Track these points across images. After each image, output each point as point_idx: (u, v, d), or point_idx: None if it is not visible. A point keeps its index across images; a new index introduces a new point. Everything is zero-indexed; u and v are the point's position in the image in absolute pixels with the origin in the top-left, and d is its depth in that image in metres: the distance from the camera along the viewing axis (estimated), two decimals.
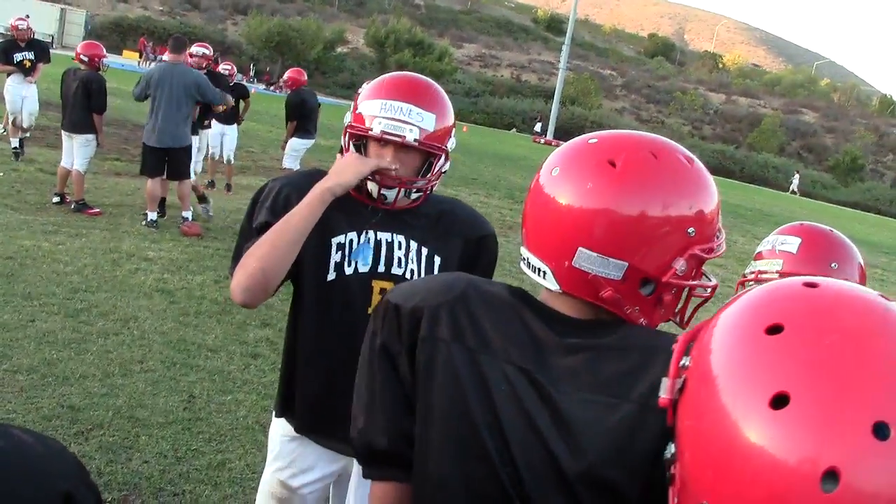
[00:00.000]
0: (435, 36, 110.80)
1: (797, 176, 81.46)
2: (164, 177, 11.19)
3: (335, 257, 2.69)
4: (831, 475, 0.91)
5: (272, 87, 69.27)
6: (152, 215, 11.15)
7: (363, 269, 2.69)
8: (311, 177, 2.73)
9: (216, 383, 6.34)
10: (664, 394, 1.18)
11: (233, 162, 15.39)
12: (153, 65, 54.59)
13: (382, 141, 2.63)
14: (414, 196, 2.77)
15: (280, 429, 2.94)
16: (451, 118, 2.76)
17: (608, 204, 1.53)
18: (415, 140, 2.62)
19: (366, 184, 2.69)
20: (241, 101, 14.94)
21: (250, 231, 2.69)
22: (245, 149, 21.02)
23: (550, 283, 1.63)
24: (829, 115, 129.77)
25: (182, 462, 5.09)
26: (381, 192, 2.69)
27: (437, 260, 2.77)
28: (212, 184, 14.95)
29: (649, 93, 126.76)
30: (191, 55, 12.41)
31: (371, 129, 2.61)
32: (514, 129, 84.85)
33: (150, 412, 5.67)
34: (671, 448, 1.19)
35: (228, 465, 5.13)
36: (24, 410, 5.36)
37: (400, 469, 1.81)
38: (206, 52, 12.94)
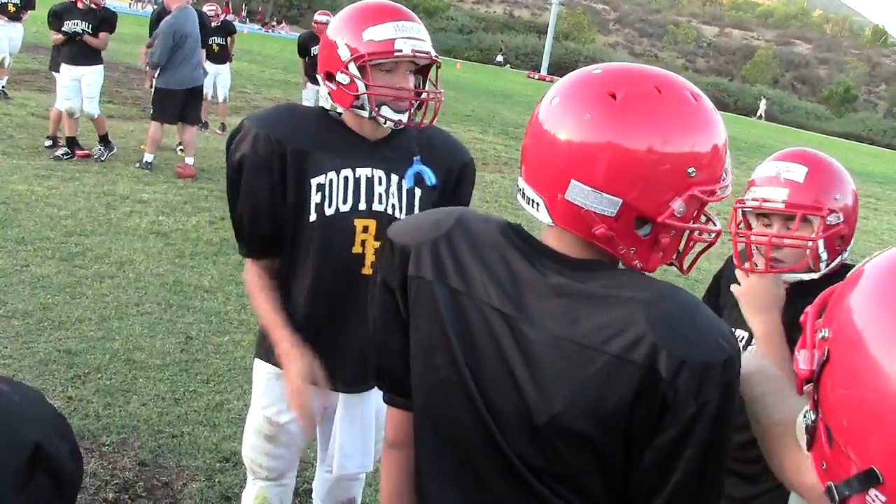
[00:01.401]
0: None
1: (764, 101, 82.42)
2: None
3: (315, 198, 2.66)
4: None
5: (265, 27, 68.69)
6: (149, 157, 11.10)
7: (344, 208, 2.67)
8: (279, 113, 2.74)
9: (213, 324, 6.34)
10: (805, 365, 1.18)
11: (227, 101, 15.26)
12: (150, 8, 53.98)
13: (408, 60, 2.62)
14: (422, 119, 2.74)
15: (264, 368, 2.96)
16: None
17: (604, 136, 1.47)
18: (434, 55, 2.66)
19: (378, 112, 2.63)
20: (228, 38, 14.76)
21: (236, 196, 2.73)
22: (238, 89, 20.86)
23: (543, 216, 1.59)
24: (822, 46, 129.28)
25: (180, 404, 5.10)
26: (399, 117, 2.65)
27: (418, 192, 2.76)
28: (205, 125, 14.81)
29: (642, 26, 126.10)
30: None
31: (400, 50, 2.56)
32: (507, 66, 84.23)
33: (147, 355, 5.67)
34: (810, 415, 1.21)
35: (226, 406, 5.14)
36: (20, 356, 5.35)
37: (403, 397, 1.85)
38: None
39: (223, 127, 14.95)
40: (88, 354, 5.53)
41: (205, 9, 14.34)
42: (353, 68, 2.59)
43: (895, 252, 1.16)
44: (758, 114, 79.08)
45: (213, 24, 14.00)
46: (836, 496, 1.11)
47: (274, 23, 72.74)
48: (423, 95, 2.67)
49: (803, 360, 1.18)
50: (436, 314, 1.68)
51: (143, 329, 6.06)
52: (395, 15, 2.61)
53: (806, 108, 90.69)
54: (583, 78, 1.58)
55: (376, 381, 1.93)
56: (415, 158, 2.73)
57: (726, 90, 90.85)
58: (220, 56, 14.49)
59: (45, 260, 7.06)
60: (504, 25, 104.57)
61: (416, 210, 2.75)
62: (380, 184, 2.71)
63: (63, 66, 10.99)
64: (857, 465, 1.06)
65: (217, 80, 14.67)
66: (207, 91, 14.52)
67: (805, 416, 1.23)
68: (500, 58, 78.81)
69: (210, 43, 13.88)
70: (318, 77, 2.74)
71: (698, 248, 1.71)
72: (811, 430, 1.20)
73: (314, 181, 2.65)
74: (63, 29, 10.80)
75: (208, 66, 14.09)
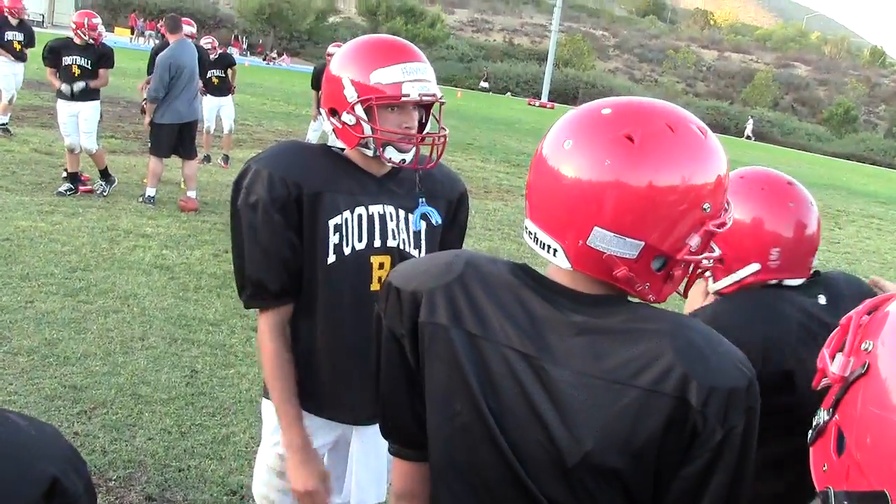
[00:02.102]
0: (426, 2, 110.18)
1: (751, 121, 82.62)
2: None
3: (333, 239, 2.64)
4: None
5: (265, 60, 68.98)
6: (151, 192, 11.11)
7: (360, 246, 2.67)
8: (289, 153, 2.69)
9: (218, 357, 6.33)
10: (837, 370, 1.17)
11: (233, 130, 15.39)
12: (151, 42, 54.13)
13: (411, 104, 2.62)
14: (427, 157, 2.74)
15: (273, 406, 2.92)
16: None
17: (627, 181, 1.47)
18: (440, 96, 2.67)
19: (382, 153, 2.62)
20: (228, 70, 14.81)
21: (243, 244, 2.66)
22: (240, 121, 20.94)
23: (561, 262, 1.58)
24: (821, 67, 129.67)
25: (186, 437, 5.09)
26: (403, 157, 2.65)
27: (423, 225, 2.76)
28: (207, 158, 14.85)
29: (642, 52, 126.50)
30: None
31: (408, 95, 2.56)
32: (508, 93, 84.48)
33: (153, 389, 5.66)
34: (823, 414, 1.21)
35: (233, 439, 5.13)
36: (25, 392, 5.34)
37: (411, 448, 1.84)
38: (192, 29, 12.82)
39: (226, 159, 15.01)
40: (94, 389, 5.53)
41: (202, 42, 14.45)
42: (359, 110, 2.58)
43: None
44: (745, 134, 79.36)
45: (212, 56, 14.08)
46: (834, 502, 1.12)
47: (274, 55, 72.99)
48: (428, 138, 2.68)
49: (837, 365, 1.18)
50: (453, 360, 1.65)
51: (149, 363, 6.06)
52: (403, 55, 2.61)
53: (806, 130, 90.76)
54: (594, 119, 1.56)
55: (382, 433, 1.90)
56: (420, 200, 2.75)
57: (727, 114, 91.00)
58: (221, 88, 14.54)
59: (49, 296, 7.07)
60: (504, 54, 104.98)
61: (423, 245, 2.76)
62: (391, 220, 2.71)
63: (60, 103, 11.04)
64: (869, 483, 1.06)
65: (221, 112, 14.75)
66: (209, 124, 14.62)
67: (818, 414, 1.23)
68: (483, 83, 78.95)
69: (209, 76, 13.95)
70: (323, 112, 2.74)
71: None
72: (820, 428, 1.21)
73: (331, 222, 2.63)
74: (66, 63, 10.88)
75: (210, 99, 14.18)
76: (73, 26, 11.01)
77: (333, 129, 2.69)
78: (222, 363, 6.23)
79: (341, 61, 2.65)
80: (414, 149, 2.67)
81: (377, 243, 2.68)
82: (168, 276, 8.11)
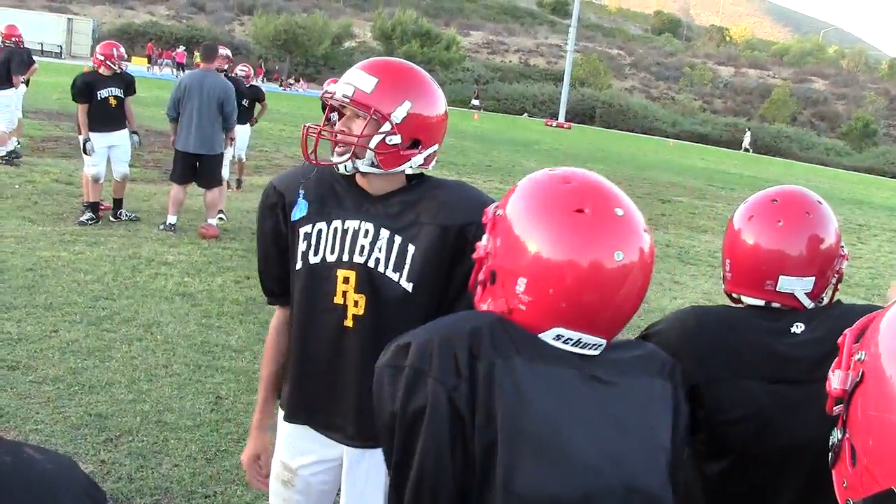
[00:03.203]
0: (441, 25, 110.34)
1: (748, 133, 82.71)
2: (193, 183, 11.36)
3: (301, 247, 2.73)
4: None
5: (282, 86, 69.34)
6: (172, 219, 11.17)
7: (329, 258, 2.70)
8: (295, 169, 2.85)
9: (242, 383, 6.35)
10: (838, 385, 1.21)
11: (244, 160, 15.44)
12: (167, 71, 54.34)
13: (330, 106, 2.73)
14: (368, 168, 2.64)
15: (279, 413, 3.02)
16: (404, 93, 2.61)
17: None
18: (343, 96, 2.59)
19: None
20: (256, 103, 14.94)
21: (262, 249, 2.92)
22: (258, 148, 21.07)
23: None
24: (839, 81, 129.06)
25: (212, 464, 5.10)
26: (336, 160, 2.65)
27: (412, 249, 2.67)
28: (237, 183, 15.07)
29: (658, 70, 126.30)
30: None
31: (332, 93, 2.65)
32: (525, 114, 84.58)
33: (178, 416, 5.68)
34: (837, 434, 1.25)
35: (258, 465, 5.12)
36: (51, 420, 5.37)
37: None
38: (227, 52, 12.96)
39: (239, 184, 15.11)
40: (119, 417, 5.55)
41: (237, 70, 14.58)
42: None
43: None
44: (743, 147, 79.60)
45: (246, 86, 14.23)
46: None
47: (291, 81, 73.37)
48: (333, 137, 2.69)
49: (837, 379, 1.21)
50: None
51: (173, 390, 6.08)
52: (354, 69, 2.68)
53: (826, 145, 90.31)
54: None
55: None
56: (300, 193, 2.81)
57: (744, 130, 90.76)
58: (240, 116, 14.63)
59: (73, 325, 7.11)
60: (520, 75, 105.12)
61: (407, 267, 2.66)
62: (365, 236, 2.68)
63: (93, 135, 11.11)
64: (878, 484, 1.08)
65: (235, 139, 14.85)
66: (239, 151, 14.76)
67: (833, 435, 1.26)
68: (475, 101, 78.92)
69: None
70: None
71: None
72: (836, 449, 1.24)
73: (301, 230, 2.73)
74: (102, 97, 11.18)
75: None
76: (101, 58, 11.20)
77: None
78: (246, 389, 6.25)
79: None
80: (345, 157, 2.64)
81: (345, 257, 2.69)
82: (190, 303, 8.15)
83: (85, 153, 11.15)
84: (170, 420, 5.61)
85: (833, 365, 1.27)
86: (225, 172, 12.60)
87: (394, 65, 2.70)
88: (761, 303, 2.36)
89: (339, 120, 2.71)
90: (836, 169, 71.14)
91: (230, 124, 11.54)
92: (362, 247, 2.68)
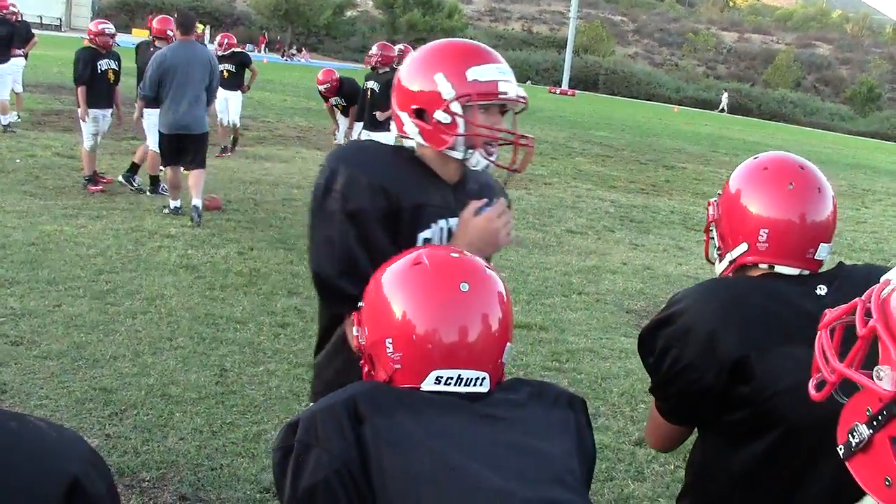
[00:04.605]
0: None
1: (725, 94, 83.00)
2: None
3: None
4: None
5: (283, 56, 69.07)
6: (175, 203, 10.66)
7: None
8: (379, 158, 2.64)
9: (247, 355, 6.33)
10: (890, 386, 1.13)
11: (238, 125, 15.61)
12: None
13: (509, 103, 2.61)
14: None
15: None
16: None
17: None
18: (519, 96, 2.62)
19: (467, 158, 2.60)
20: (243, 68, 15.16)
21: (336, 242, 2.55)
22: (261, 119, 21.02)
23: None
24: (843, 46, 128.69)
25: (218, 436, 5.08)
26: (489, 160, 2.63)
27: None
28: (225, 149, 15.09)
29: (661, 36, 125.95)
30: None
31: (505, 93, 2.56)
32: (528, 81, 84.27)
33: (183, 389, 5.66)
34: (863, 430, 1.19)
35: (264, 437, 5.11)
36: (56, 395, 5.35)
37: None
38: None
39: (231, 148, 15.40)
40: (124, 391, 5.53)
41: (219, 39, 14.72)
42: (456, 107, 2.53)
43: None
44: (720, 107, 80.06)
45: (219, 53, 14.25)
46: None
47: (293, 51, 73.06)
48: (523, 140, 2.64)
49: (889, 381, 1.12)
50: None
51: (178, 363, 6.06)
52: (494, 57, 2.61)
53: (830, 110, 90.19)
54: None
55: None
56: (484, 207, 2.68)
57: (748, 95, 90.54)
58: (229, 83, 14.75)
59: (76, 299, 7.08)
60: (523, 42, 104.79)
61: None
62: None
63: (91, 111, 11.27)
64: None
65: (228, 105, 15.08)
66: (222, 117, 14.81)
67: (854, 433, 1.20)
68: None
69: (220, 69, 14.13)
70: (403, 115, 2.66)
71: None
72: (864, 445, 1.18)
73: (421, 235, 2.61)
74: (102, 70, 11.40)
75: (219, 91, 14.36)
76: (91, 36, 11.55)
77: (420, 132, 2.61)
78: (251, 361, 6.23)
79: (430, 60, 2.61)
80: (494, 154, 2.64)
81: None
82: (194, 275, 8.12)
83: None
84: (175, 393, 5.58)
85: (856, 357, 1.20)
86: None
87: None
88: (796, 272, 2.30)
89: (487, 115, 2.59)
90: (840, 134, 70.91)
91: (212, 98, 10.96)
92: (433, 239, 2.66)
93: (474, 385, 1.91)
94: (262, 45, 73.62)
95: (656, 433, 2.60)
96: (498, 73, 2.55)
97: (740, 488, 2.26)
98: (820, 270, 2.33)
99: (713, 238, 2.51)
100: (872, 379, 1.14)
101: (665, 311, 2.33)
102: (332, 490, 1.74)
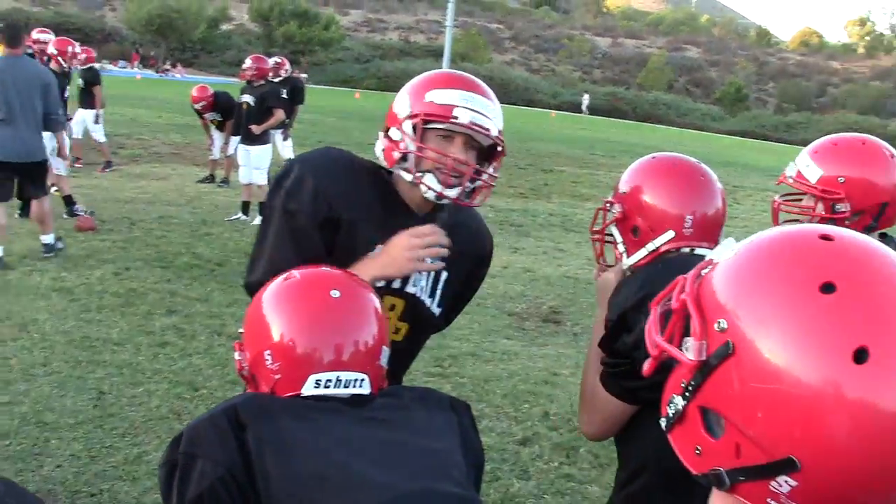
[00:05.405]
0: (319, 4, 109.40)
1: (586, 96, 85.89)
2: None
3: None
4: None
5: (158, 72, 67.89)
6: (47, 238, 9.36)
7: (380, 283, 2.51)
8: (338, 167, 2.60)
9: (125, 377, 6.20)
10: (694, 356, 1.16)
11: (103, 141, 15.48)
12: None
13: (463, 132, 2.47)
14: (471, 200, 2.58)
15: None
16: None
17: None
18: (496, 135, 2.51)
19: (419, 185, 2.49)
20: (94, 86, 14.95)
21: (270, 237, 2.54)
22: (136, 136, 20.65)
23: None
24: (712, 49, 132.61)
25: (97, 461, 4.98)
26: (443, 190, 2.48)
27: (444, 275, 2.69)
28: (108, 164, 14.98)
29: (538, 42, 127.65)
30: (34, 42, 11.94)
31: (456, 118, 2.43)
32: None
33: (59, 414, 5.52)
34: (679, 401, 1.21)
35: (145, 458, 5.03)
36: None
37: None
38: (49, 36, 12.44)
39: (108, 165, 15.46)
40: None
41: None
42: (406, 126, 2.51)
43: (772, 253, 1.18)
44: (581, 108, 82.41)
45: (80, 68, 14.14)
46: (728, 481, 1.14)
47: (168, 67, 71.84)
48: (478, 175, 2.53)
49: (693, 351, 1.16)
50: None
51: (53, 389, 5.90)
52: (468, 86, 2.52)
53: (701, 110, 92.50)
54: None
55: None
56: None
57: (623, 99, 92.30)
58: (84, 100, 14.86)
59: None
60: (401, 52, 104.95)
61: (438, 295, 2.69)
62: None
63: None
64: (768, 454, 1.09)
65: (86, 120, 15.07)
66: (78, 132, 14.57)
67: (671, 405, 1.24)
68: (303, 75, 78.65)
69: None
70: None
71: None
72: (679, 415, 1.22)
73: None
74: None
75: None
76: None
77: (383, 149, 2.61)
78: (130, 382, 6.11)
79: (411, 83, 2.60)
80: (458, 187, 2.49)
81: (396, 284, 2.58)
82: (68, 298, 7.92)
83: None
84: (50, 420, 5.44)
85: (673, 330, 1.24)
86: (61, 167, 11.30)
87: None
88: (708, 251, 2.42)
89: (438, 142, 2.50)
90: (712, 133, 72.90)
91: (56, 121, 9.27)
92: (415, 277, 2.62)
93: (354, 386, 1.98)
94: (136, 62, 72.28)
95: (601, 416, 2.55)
96: (460, 100, 2.45)
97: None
98: None
99: (612, 236, 2.66)
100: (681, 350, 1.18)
101: (639, 294, 2.36)
102: (217, 498, 1.75)
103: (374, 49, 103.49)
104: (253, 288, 2.47)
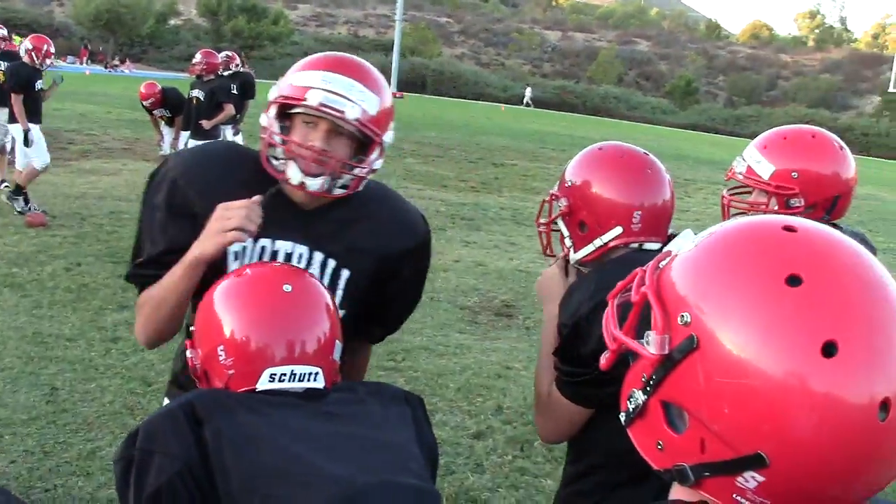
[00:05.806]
0: None
1: (529, 89, 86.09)
2: None
3: (233, 266, 2.37)
4: (884, 406, 1.04)
5: (107, 68, 67.10)
6: None
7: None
8: (207, 158, 2.49)
9: (78, 372, 6.19)
10: (656, 350, 1.15)
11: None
12: None
13: (316, 115, 2.25)
14: (338, 191, 2.35)
15: None
16: (391, 107, 2.39)
17: None
18: (355, 119, 2.24)
19: (285, 171, 2.29)
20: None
21: (139, 230, 2.47)
22: (86, 131, 20.44)
23: None
24: (661, 42, 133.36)
25: (50, 457, 4.97)
26: (304, 180, 2.27)
27: (345, 274, 2.45)
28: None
29: (487, 36, 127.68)
30: None
31: (305, 100, 2.22)
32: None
33: (12, 411, 5.51)
34: (639, 395, 1.21)
35: (99, 454, 5.03)
36: None
37: None
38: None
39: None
40: None
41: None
42: (271, 111, 2.33)
43: (737, 247, 1.16)
44: (524, 101, 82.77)
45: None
46: (692, 477, 1.14)
47: (116, 62, 71.02)
48: (344, 170, 2.32)
49: (655, 345, 1.15)
50: None
51: (5, 385, 5.88)
52: (334, 67, 2.29)
53: (651, 104, 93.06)
54: None
55: None
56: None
57: (573, 92, 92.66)
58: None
59: None
60: (350, 46, 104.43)
61: (340, 294, 2.44)
62: (299, 261, 2.40)
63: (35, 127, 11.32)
64: (735, 450, 1.08)
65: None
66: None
67: (631, 399, 1.23)
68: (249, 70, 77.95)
69: None
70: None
71: None
72: (640, 409, 1.21)
73: (231, 248, 2.34)
74: None
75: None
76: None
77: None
78: (83, 378, 6.10)
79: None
80: (323, 178, 2.28)
81: None
82: (20, 293, 7.87)
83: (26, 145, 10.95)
84: (3, 416, 5.42)
85: (631, 324, 1.22)
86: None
87: (377, 74, 2.40)
88: (658, 246, 2.45)
89: (290, 127, 2.33)
90: (662, 126, 73.34)
91: None
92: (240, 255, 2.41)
93: (308, 380, 1.98)
94: (85, 57, 71.38)
95: (559, 420, 2.48)
96: (318, 81, 2.23)
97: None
98: None
99: (558, 230, 2.60)
100: (642, 344, 1.18)
101: (592, 302, 2.26)
102: (175, 492, 1.75)
103: (323, 43, 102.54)
104: (130, 280, 2.50)
